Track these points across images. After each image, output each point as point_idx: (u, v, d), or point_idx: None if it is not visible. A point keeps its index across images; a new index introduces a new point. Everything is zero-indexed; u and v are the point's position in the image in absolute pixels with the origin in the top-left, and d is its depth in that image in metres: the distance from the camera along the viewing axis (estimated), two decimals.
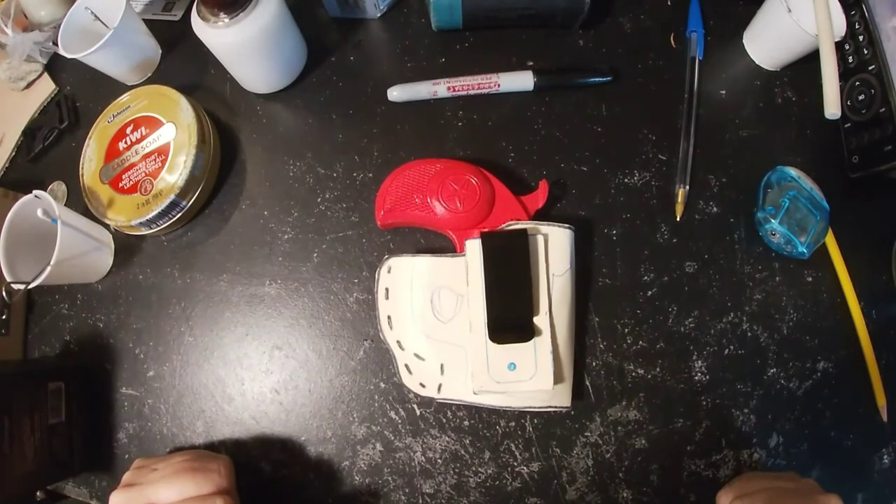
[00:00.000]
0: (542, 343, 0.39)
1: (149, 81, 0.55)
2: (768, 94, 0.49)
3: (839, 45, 0.46)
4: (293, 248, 0.47)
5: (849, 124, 0.47)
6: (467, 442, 0.42)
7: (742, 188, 0.46)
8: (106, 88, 0.54)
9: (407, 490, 0.42)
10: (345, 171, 0.49)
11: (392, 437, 0.43)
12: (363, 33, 0.53)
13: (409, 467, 0.42)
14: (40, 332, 0.50)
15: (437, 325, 0.41)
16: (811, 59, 0.45)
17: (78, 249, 0.46)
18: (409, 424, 0.43)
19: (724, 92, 0.49)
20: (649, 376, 0.43)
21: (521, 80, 0.48)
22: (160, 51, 0.56)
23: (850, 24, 0.46)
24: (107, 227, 0.50)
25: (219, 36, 0.43)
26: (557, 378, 0.39)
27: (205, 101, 0.51)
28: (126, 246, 0.50)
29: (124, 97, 0.50)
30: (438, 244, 0.46)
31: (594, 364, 0.43)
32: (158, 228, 0.48)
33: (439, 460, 0.42)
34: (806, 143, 0.48)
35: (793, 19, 0.44)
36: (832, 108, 0.40)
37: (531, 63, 0.50)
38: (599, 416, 0.42)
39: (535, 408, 0.40)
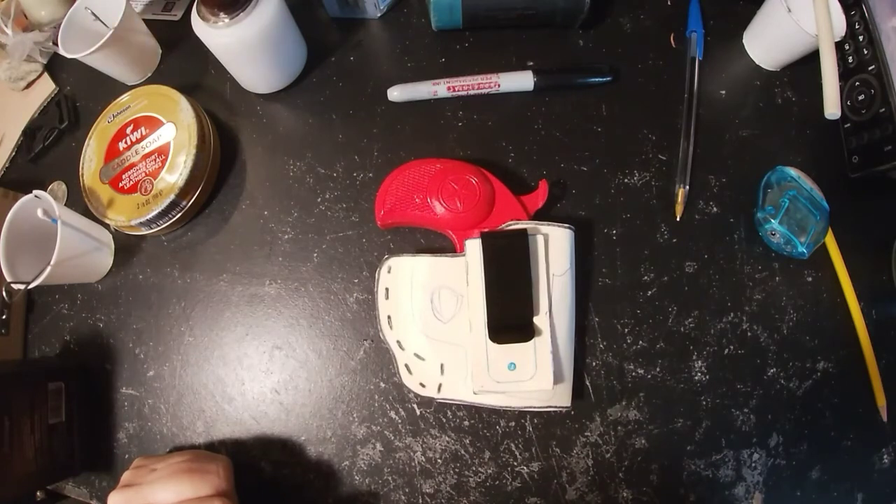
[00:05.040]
0: (542, 343, 0.39)
1: (149, 81, 0.55)
2: (768, 94, 0.49)
3: (839, 45, 0.46)
4: (293, 248, 0.47)
5: (849, 124, 0.47)
6: (467, 442, 0.42)
7: (742, 188, 0.46)
8: (106, 88, 0.54)
9: (407, 490, 0.42)
10: (345, 171, 0.49)
11: (392, 437, 0.43)
12: (363, 33, 0.53)
13: (409, 467, 0.42)
14: (40, 332, 0.50)
15: (437, 325, 0.41)
16: (811, 59, 0.45)
17: (78, 249, 0.46)
18: (409, 424, 0.43)
19: (724, 92, 0.49)
20: (649, 376, 0.43)
21: (521, 80, 0.48)
22: (160, 51, 0.56)
23: (850, 24, 0.46)
24: (107, 227, 0.50)
25: (219, 36, 0.43)
26: (557, 378, 0.39)
27: (205, 101, 0.51)
28: (126, 246, 0.50)
29: (124, 97, 0.50)
30: (438, 244, 0.46)
31: (594, 364, 0.43)
32: (158, 228, 0.48)
33: (439, 460, 0.42)
34: (806, 143, 0.48)
35: (793, 19, 0.44)
36: (832, 108, 0.40)
37: (531, 63, 0.50)
38: (599, 416, 0.42)
39: (535, 408, 0.40)
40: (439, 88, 0.48)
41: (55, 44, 0.53)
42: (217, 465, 0.39)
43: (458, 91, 0.48)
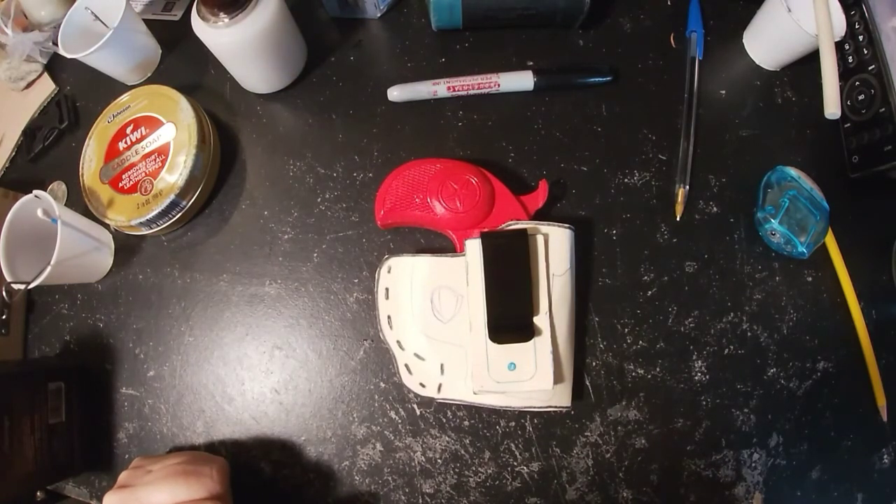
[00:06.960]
0: (542, 343, 0.39)
1: (149, 81, 0.55)
2: (768, 94, 0.49)
3: (839, 45, 0.46)
4: (293, 248, 0.47)
5: (849, 124, 0.47)
6: (467, 442, 0.42)
7: (742, 188, 0.46)
8: (106, 88, 0.54)
9: (407, 490, 0.42)
10: (345, 171, 0.49)
11: (392, 437, 0.43)
12: (363, 33, 0.53)
13: (409, 467, 0.42)
14: (40, 332, 0.50)
15: (437, 325, 0.41)
16: (811, 59, 0.45)
17: (78, 249, 0.46)
18: (409, 424, 0.43)
19: (724, 92, 0.49)
20: (649, 376, 0.43)
21: (521, 80, 0.48)
22: (160, 51, 0.56)
23: (850, 24, 0.46)
24: (107, 227, 0.50)
25: (219, 36, 0.43)
26: (557, 378, 0.39)
27: (205, 101, 0.51)
28: (126, 246, 0.50)
29: (124, 97, 0.50)
30: (438, 244, 0.46)
31: (594, 364, 0.43)
32: (158, 228, 0.48)
33: (439, 460, 0.42)
34: (806, 143, 0.48)
35: (793, 19, 0.44)
36: (832, 108, 0.40)
37: (531, 63, 0.50)
38: (599, 416, 0.42)
39: (535, 408, 0.40)
40: (439, 88, 0.48)
41: (55, 44, 0.53)
42: (212, 468, 0.39)
43: (458, 91, 0.48)
